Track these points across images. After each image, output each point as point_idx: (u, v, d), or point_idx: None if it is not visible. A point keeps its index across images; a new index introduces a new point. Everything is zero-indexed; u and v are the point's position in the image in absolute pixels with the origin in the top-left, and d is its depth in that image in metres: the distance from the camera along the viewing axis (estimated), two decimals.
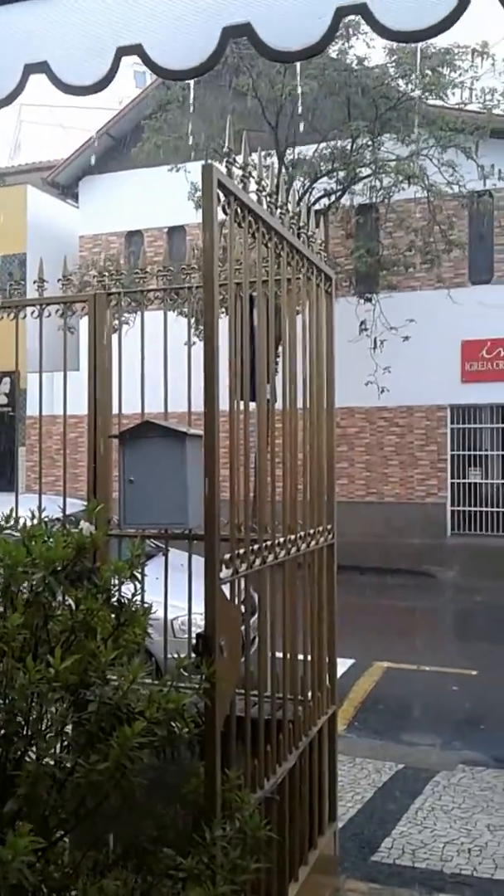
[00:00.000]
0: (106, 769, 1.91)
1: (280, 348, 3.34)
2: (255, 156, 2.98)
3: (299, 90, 12.06)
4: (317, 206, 13.96)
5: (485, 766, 5.53)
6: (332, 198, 14.00)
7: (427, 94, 12.94)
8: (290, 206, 3.27)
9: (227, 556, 2.57)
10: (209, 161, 2.69)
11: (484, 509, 16.82)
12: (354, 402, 16.52)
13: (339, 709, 6.63)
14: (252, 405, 2.87)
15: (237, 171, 2.70)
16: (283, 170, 13.50)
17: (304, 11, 1.62)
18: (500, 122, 13.89)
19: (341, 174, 13.47)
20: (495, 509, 16.78)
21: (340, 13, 1.59)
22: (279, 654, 3.15)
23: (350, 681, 7.59)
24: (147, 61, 1.83)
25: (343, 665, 7.82)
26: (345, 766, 5.22)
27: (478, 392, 16.55)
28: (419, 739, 6.24)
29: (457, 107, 13.13)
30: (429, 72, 12.52)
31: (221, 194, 2.51)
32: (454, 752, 5.94)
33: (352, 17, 1.61)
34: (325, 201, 14.08)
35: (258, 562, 2.83)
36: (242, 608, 4.18)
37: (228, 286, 2.72)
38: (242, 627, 4.35)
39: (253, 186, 2.85)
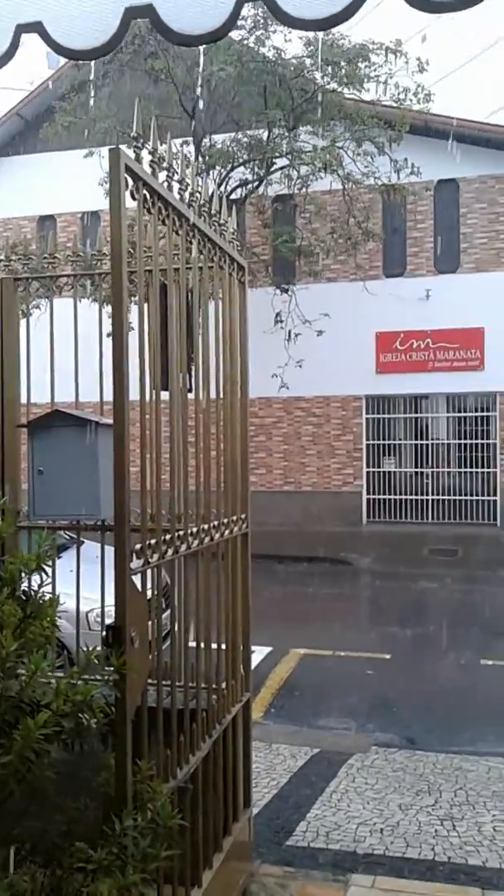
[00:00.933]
0: (9, 763, 1.87)
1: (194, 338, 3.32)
2: (167, 142, 2.95)
3: (215, 76, 12.00)
4: (234, 195, 13.97)
5: (397, 748, 5.68)
6: (250, 187, 14.00)
7: (343, 87, 13.07)
8: (201, 194, 3.24)
9: (138, 546, 2.55)
10: (118, 145, 2.64)
11: (398, 497, 17.21)
12: (272, 392, 16.65)
13: (255, 696, 6.72)
14: (165, 394, 2.86)
15: (146, 157, 2.67)
16: (200, 157, 13.43)
17: None
18: (414, 119, 14.17)
19: (258, 163, 13.49)
20: (408, 497, 17.19)
21: None
22: (193, 644, 3.15)
23: (267, 668, 7.68)
24: (47, 39, 1.78)
25: (260, 653, 7.92)
26: (261, 752, 5.27)
27: (392, 383, 16.90)
28: (334, 724, 6.35)
29: (372, 102, 13.31)
30: (344, 65, 12.64)
31: (130, 179, 2.47)
32: (368, 734, 6.08)
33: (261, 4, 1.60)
34: (242, 190, 14.08)
35: (170, 552, 2.82)
36: (159, 598, 4.16)
37: (138, 273, 2.68)
38: (162, 617, 4.34)
39: (164, 173, 2.82)
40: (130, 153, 2.53)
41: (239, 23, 12.60)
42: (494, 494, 16.74)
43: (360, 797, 4.68)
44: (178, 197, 2.95)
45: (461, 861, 3.91)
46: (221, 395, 3.51)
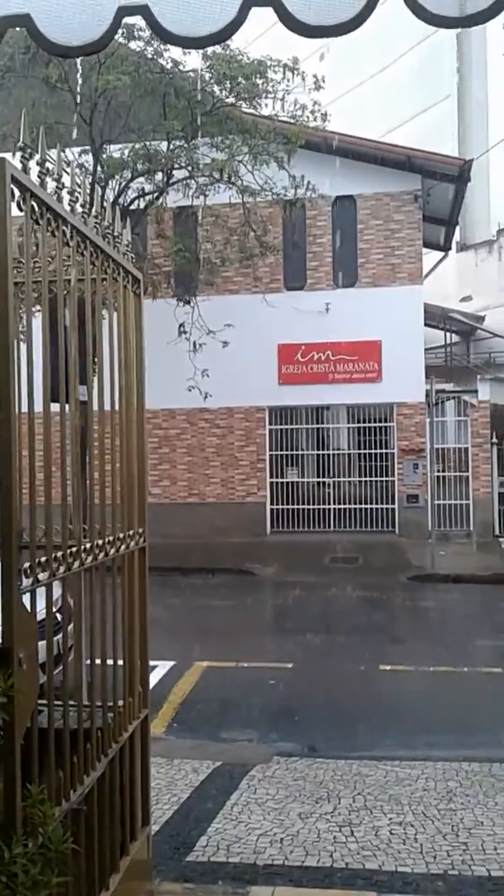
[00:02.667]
0: None
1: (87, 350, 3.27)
2: (58, 151, 2.91)
3: (111, 86, 11.90)
4: (134, 206, 13.88)
5: (298, 757, 5.72)
6: (149, 198, 13.96)
7: (241, 101, 13.21)
8: (94, 205, 3.21)
9: (27, 564, 2.49)
10: (6, 154, 2.58)
11: (301, 507, 17.42)
12: (176, 404, 16.61)
13: (157, 711, 6.65)
14: (58, 406, 2.80)
15: (35, 167, 2.62)
16: (99, 167, 13.30)
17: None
18: (311, 136, 14.45)
19: (158, 175, 13.46)
20: (311, 507, 17.42)
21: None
22: (89, 662, 3.10)
23: (170, 682, 7.61)
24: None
25: (164, 667, 7.85)
26: (162, 768, 5.22)
27: (294, 394, 17.13)
28: (237, 735, 6.34)
29: (269, 117, 13.49)
30: (242, 80, 12.77)
31: (16, 190, 2.43)
32: (270, 744, 6.11)
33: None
34: (142, 201, 14.01)
35: (62, 569, 2.76)
36: (59, 616, 4.06)
37: (26, 285, 2.63)
38: (59, 637, 4.24)
39: (54, 183, 2.77)
40: (16, 162, 2.48)
41: (136, 33, 12.61)
42: (393, 503, 17.17)
43: (260, 808, 4.70)
44: (68, 208, 2.92)
45: (358, 866, 3.97)
46: (117, 407, 3.47)
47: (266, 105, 13.34)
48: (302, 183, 13.76)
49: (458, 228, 23.04)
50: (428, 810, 4.61)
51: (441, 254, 19.46)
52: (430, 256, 19.03)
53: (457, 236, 24.76)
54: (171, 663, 7.99)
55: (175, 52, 13.08)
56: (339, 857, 4.06)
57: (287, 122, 13.60)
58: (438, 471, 16.53)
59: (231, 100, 13.22)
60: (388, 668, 8.10)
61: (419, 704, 7.14)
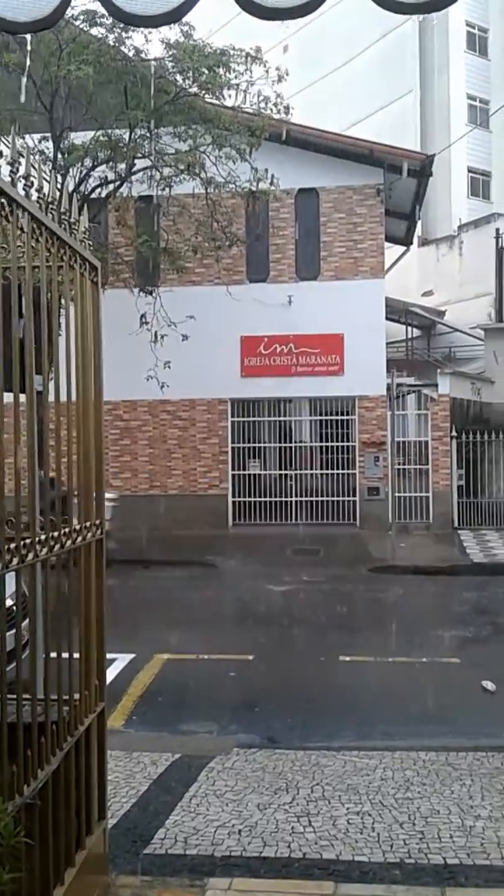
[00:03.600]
0: None
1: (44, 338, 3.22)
2: (13, 136, 2.85)
3: (73, 74, 11.73)
4: (94, 195, 13.73)
5: (258, 748, 5.73)
6: (111, 187, 13.81)
7: (204, 91, 13.12)
8: (49, 191, 3.15)
9: None
10: None
11: (262, 499, 17.43)
12: (138, 395, 16.49)
13: (116, 704, 6.61)
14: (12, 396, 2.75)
15: None
16: (60, 154, 13.12)
17: None
18: (274, 128, 14.42)
19: (120, 164, 13.32)
20: (273, 499, 17.45)
21: None
22: (45, 655, 3.05)
23: (130, 675, 7.57)
24: None
25: (123, 660, 7.82)
26: (121, 761, 5.19)
27: (256, 386, 17.12)
28: (197, 727, 6.33)
29: (233, 108, 13.43)
30: (205, 71, 12.69)
31: None
32: (230, 736, 6.11)
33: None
34: (103, 190, 13.86)
35: (15, 560, 2.72)
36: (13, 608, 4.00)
37: None
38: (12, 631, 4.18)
39: (7, 167, 2.72)
40: None
41: (97, 19, 12.45)
42: (355, 495, 17.27)
43: (219, 800, 4.69)
44: (23, 193, 2.86)
45: (316, 856, 3.98)
46: (74, 398, 3.42)
47: (229, 96, 13.27)
48: (265, 175, 13.71)
49: (419, 223, 23.24)
50: (385, 799, 4.65)
51: (403, 248, 19.56)
52: (393, 251, 19.12)
53: (419, 231, 24.97)
54: (132, 656, 7.95)
55: (137, 39, 12.96)
56: (297, 847, 4.07)
57: (250, 113, 13.55)
58: (399, 464, 16.66)
59: (194, 90, 13.12)
60: (347, 658, 8.16)
61: (378, 695, 7.20)
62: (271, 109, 13.06)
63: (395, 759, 5.32)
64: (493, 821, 4.31)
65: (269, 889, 3.64)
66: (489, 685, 7.06)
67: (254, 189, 13.99)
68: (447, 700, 6.93)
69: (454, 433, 17.14)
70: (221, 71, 12.84)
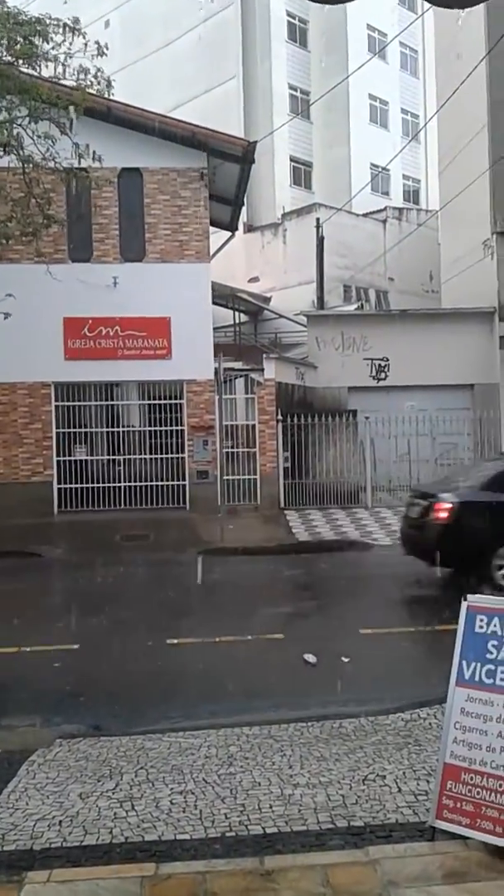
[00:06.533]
0: None
1: None
2: None
3: None
4: None
5: (82, 737, 5.61)
6: None
7: (20, 60, 12.54)
8: None
9: None
10: None
11: (90, 485, 17.11)
12: None
13: None
14: None
15: None
16: None
17: None
18: (95, 104, 14.05)
19: None
20: (101, 485, 17.17)
21: None
22: None
23: None
24: None
25: None
26: None
27: (81, 369, 16.74)
28: (18, 722, 6.09)
29: (51, 79, 12.94)
30: (20, 39, 12.13)
31: None
32: (53, 727, 5.93)
33: None
34: None
35: None
36: None
37: None
38: None
39: None
40: None
41: None
42: (184, 479, 17.32)
43: (39, 793, 4.55)
44: None
45: (138, 839, 3.95)
46: None
47: (47, 67, 12.76)
48: (87, 152, 13.34)
49: (245, 210, 23.55)
50: (209, 777, 4.69)
51: (228, 234, 19.74)
52: (219, 236, 19.27)
53: (244, 217, 25.32)
54: None
55: None
56: (119, 832, 4.03)
57: (70, 87, 13.10)
58: (227, 447, 16.89)
59: (8, 58, 12.51)
60: (175, 641, 8.16)
61: (204, 675, 7.25)
62: (91, 82, 12.69)
63: (219, 737, 5.39)
64: (311, 787, 4.46)
65: (89, 876, 3.57)
66: (310, 658, 7.30)
67: (76, 166, 13.57)
68: (271, 675, 7.10)
69: (280, 417, 17.59)
70: (38, 41, 12.32)
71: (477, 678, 3.89)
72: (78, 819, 4.20)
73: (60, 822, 4.18)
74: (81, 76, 12.88)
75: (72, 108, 12.46)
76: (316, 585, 11.53)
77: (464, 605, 4.04)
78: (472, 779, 3.74)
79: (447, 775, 3.82)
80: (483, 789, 3.70)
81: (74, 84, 12.84)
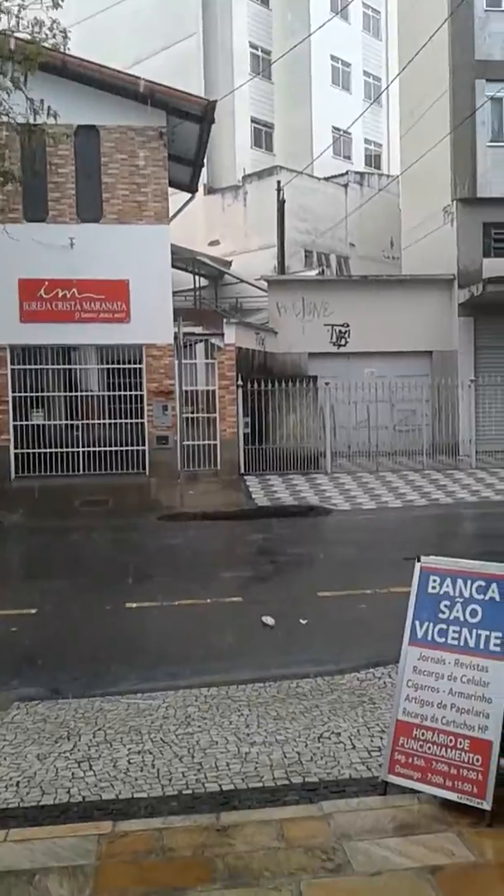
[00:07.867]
0: None
1: None
2: None
3: None
4: None
5: (40, 700, 5.61)
6: None
7: None
8: None
9: None
10: None
11: (47, 450, 16.92)
12: None
13: None
14: None
15: None
16: None
17: None
18: (51, 58, 13.63)
19: None
20: (59, 450, 16.99)
21: None
22: None
23: None
24: None
25: None
26: None
27: (38, 332, 16.46)
28: None
29: (3, 32, 12.49)
30: None
31: None
32: (11, 691, 5.92)
33: None
34: None
35: None
36: None
37: None
38: None
39: None
40: None
41: None
42: (144, 444, 17.21)
43: None
44: None
45: (95, 798, 3.99)
46: None
47: (0, 20, 12.31)
48: (42, 107, 12.94)
49: (205, 171, 23.20)
50: (167, 737, 4.74)
51: (188, 195, 19.44)
52: (178, 197, 18.96)
53: (204, 179, 24.95)
54: None
55: None
56: (77, 791, 4.06)
57: (24, 41, 12.67)
58: (188, 412, 16.82)
59: None
60: (134, 605, 8.18)
61: (163, 638, 7.29)
62: (46, 35, 12.28)
63: (177, 698, 5.44)
64: (267, 745, 4.54)
65: (46, 836, 3.59)
66: (269, 620, 7.38)
67: (30, 122, 13.18)
68: (230, 637, 7.16)
69: (240, 382, 17.53)
70: None
71: (430, 637, 3.96)
72: (35, 780, 4.23)
73: (18, 783, 4.20)
74: (36, 29, 12.45)
75: (26, 62, 12.04)
76: (275, 550, 11.62)
77: (417, 566, 4.10)
78: (423, 735, 3.83)
79: (399, 731, 3.90)
80: (434, 745, 3.79)
81: (28, 37, 12.42)
